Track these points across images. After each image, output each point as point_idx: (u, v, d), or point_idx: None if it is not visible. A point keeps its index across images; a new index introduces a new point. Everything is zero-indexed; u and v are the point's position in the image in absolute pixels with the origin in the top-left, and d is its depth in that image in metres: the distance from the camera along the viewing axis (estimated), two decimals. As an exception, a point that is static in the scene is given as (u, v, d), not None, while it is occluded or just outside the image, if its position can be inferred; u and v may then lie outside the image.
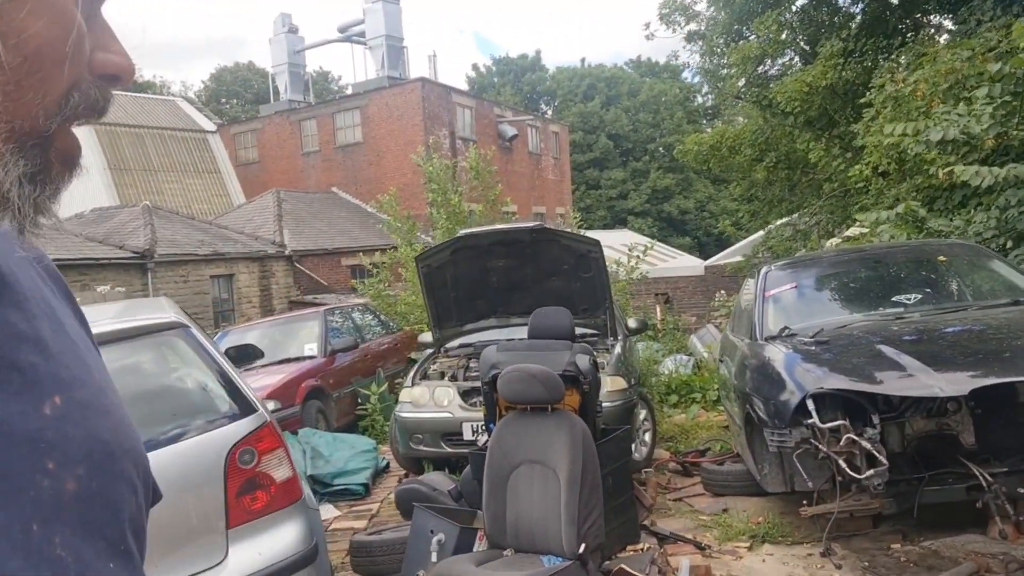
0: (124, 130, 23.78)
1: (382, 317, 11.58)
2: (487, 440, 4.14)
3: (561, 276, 6.59)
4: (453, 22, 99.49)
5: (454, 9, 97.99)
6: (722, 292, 15.11)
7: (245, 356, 7.96)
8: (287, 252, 18.85)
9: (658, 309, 15.28)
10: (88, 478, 0.62)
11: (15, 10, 0.54)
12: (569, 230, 9.96)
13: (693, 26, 17.04)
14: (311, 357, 9.07)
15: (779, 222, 14.68)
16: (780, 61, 15.83)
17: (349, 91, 30.60)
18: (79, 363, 0.67)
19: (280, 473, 3.31)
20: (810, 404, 4.04)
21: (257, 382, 7.60)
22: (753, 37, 14.73)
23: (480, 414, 5.27)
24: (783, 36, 14.03)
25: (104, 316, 3.64)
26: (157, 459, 0.75)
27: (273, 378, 8.10)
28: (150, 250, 15.58)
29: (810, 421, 4.02)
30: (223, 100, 46.38)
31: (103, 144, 22.84)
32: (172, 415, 3.37)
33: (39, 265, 0.74)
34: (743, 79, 15.33)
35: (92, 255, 14.64)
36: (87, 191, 20.94)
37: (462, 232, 6.81)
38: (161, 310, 3.77)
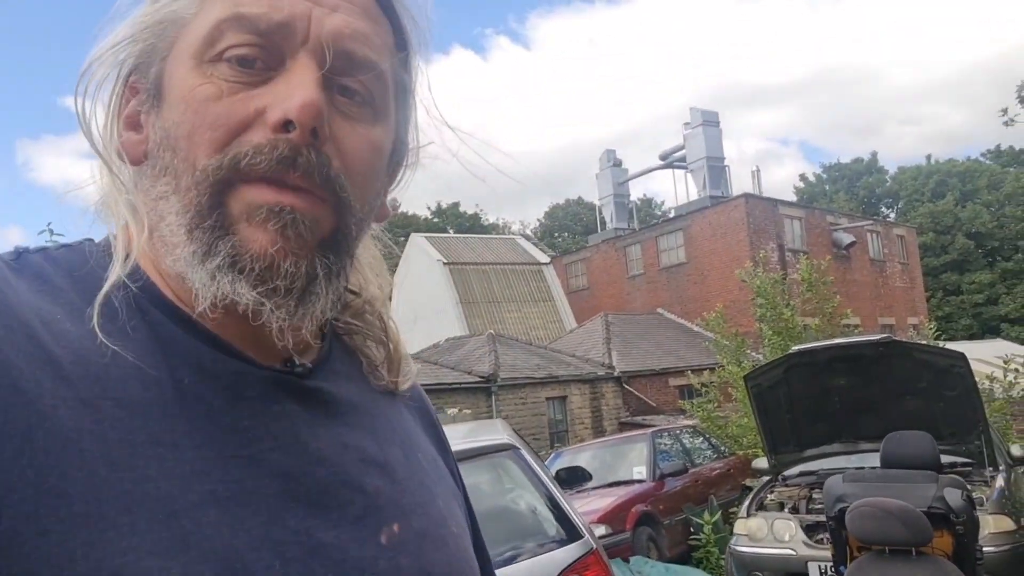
0: (472, 268, 26.83)
1: (712, 440, 11.12)
2: (838, 586, 3.63)
3: (918, 395, 5.84)
4: (776, 135, 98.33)
5: (776, 122, 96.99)
6: None
7: (575, 478, 8.10)
8: (616, 373, 19.25)
9: (1053, 434, 12.63)
10: None
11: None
12: (924, 342, 8.82)
13: (1065, 102, 14.73)
14: (640, 481, 8.94)
15: None
16: None
17: (671, 214, 31.39)
18: (423, 491, 0.67)
19: (607, 604, 3.19)
20: None
21: (587, 505, 7.65)
22: None
23: (828, 553, 4.69)
24: None
25: (452, 437, 3.96)
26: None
27: (603, 501, 8.10)
28: (494, 374, 16.96)
29: None
30: (555, 234, 50.44)
31: (455, 282, 25.93)
32: (507, 536, 3.46)
33: (410, 397, 0.78)
34: None
35: (446, 380, 16.35)
36: (443, 323, 23.76)
37: (795, 348, 6.40)
38: (495, 432, 3.98)
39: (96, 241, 0.63)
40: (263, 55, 0.58)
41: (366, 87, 0.61)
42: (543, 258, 29.74)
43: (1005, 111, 15.64)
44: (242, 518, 0.53)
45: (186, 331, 0.59)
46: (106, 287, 0.57)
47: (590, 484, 8.63)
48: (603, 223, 32.14)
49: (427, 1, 0.67)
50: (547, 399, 18.04)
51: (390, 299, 0.78)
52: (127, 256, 0.59)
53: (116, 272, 0.58)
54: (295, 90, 0.56)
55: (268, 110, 0.56)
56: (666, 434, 10.69)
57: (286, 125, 0.56)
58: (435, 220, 46.72)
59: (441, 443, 0.80)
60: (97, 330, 0.54)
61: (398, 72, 0.65)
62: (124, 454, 0.50)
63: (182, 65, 0.59)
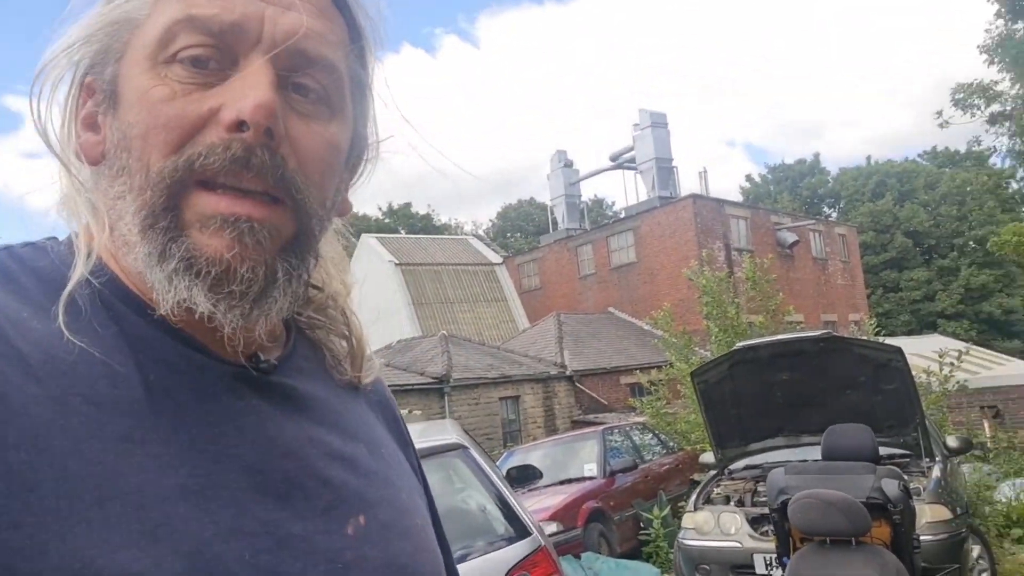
0: (424, 268, 26.69)
1: (662, 436, 11.27)
2: (781, 576, 3.71)
3: (858, 389, 5.97)
4: (722, 136, 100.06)
5: (723, 124, 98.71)
6: (1070, 403, 12.61)
7: (525, 477, 8.13)
8: (568, 372, 19.35)
9: (986, 425, 13.12)
10: None
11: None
12: (865, 337, 9.07)
13: (996, 107, 15.31)
14: (591, 478, 9.01)
15: None
16: (1115, 131, 13.52)
17: (622, 215, 31.66)
18: (388, 484, 0.69)
19: (555, 600, 3.21)
20: None
21: (538, 503, 7.68)
22: (1075, 108, 12.82)
23: (772, 544, 4.78)
24: (1116, 102, 12.03)
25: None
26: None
27: (554, 499, 8.14)
28: (447, 375, 16.90)
29: None
30: (508, 234, 50.45)
31: (407, 283, 25.75)
32: (457, 535, 3.46)
33: (372, 392, 0.79)
34: (1068, 156, 13.27)
35: (398, 382, 16.22)
36: (395, 325, 23.57)
37: (739, 344, 6.50)
38: (445, 432, 3.97)
39: (59, 240, 0.64)
40: (217, 56, 0.58)
41: (321, 84, 0.62)
42: (495, 258, 29.72)
43: (940, 113, 16.19)
44: (211, 510, 0.54)
45: (152, 327, 0.59)
46: (70, 285, 0.57)
47: (541, 482, 8.67)
48: (555, 223, 32.25)
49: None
50: (500, 399, 18.04)
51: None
52: (89, 254, 0.60)
53: (79, 270, 0.58)
54: (249, 91, 0.56)
55: (222, 110, 0.57)
56: (617, 431, 10.79)
57: (240, 125, 0.56)
58: (386, 220, 46.31)
59: (402, 438, 0.81)
60: (63, 327, 0.54)
61: (354, 68, 0.66)
62: (94, 449, 0.51)
63: (136, 66, 0.59)
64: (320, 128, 0.62)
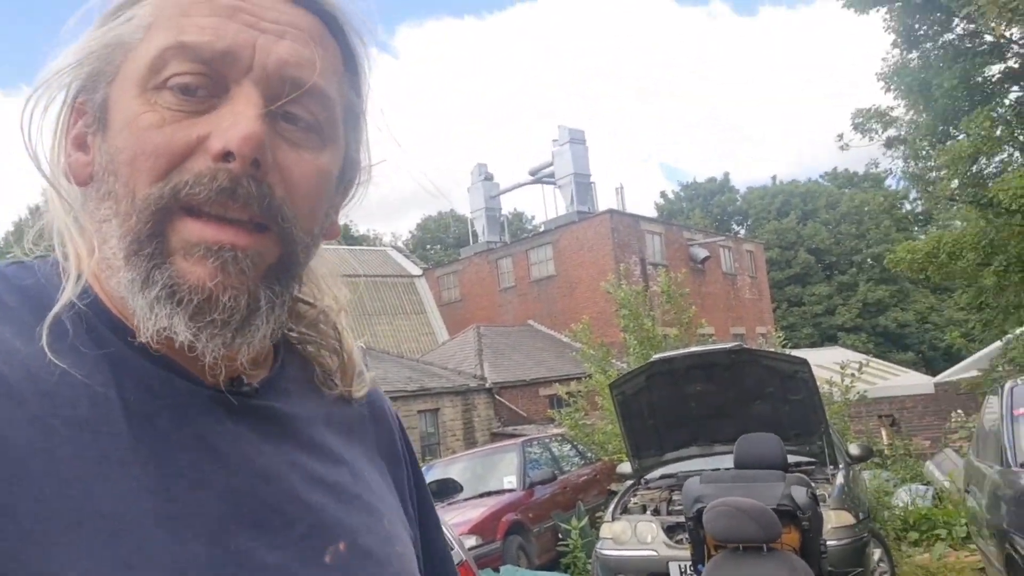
0: (341, 280, 26.24)
1: (580, 447, 11.38)
2: (696, 583, 3.80)
3: (767, 399, 6.19)
4: (638, 154, 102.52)
5: (639, 141, 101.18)
6: (959, 411, 13.43)
7: (445, 491, 8.07)
8: (488, 385, 19.34)
9: (883, 432, 13.81)
10: None
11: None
12: (772, 350, 9.43)
13: (892, 131, 16.20)
14: (510, 490, 9.01)
15: (1020, 331, 13.00)
16: (997, 158, 14.48)
17: (541, 228, 31.96)
18: (370, 510, 0.68)
19: (477, 615, 3.19)
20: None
21: (459, 516, 7.64)
22: (962, 136, 13.71)
23: (688, 552, 4.89)
24: (998, 132, 12.92)
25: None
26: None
27: (474, 512, 8.11)
28: (364, 388, 16.61)
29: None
30: (428, 246, 50.22)
31: (325, 293, 25.27)
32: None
33: (366, 406, 0.77)
34: (955, 180, 14.16)
35: (314, 395, 15.85)
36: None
37: (656, 356, 6.65)
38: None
39: (46, 259, 0.63)
40: (207, 83, 0.58)
41: (312, 113, 0.61)
42: (415, 270, 29.52)
43: (841, 136, 17.02)
44: (186, 538, 0.53)
45: (133, 350, 0.58)
46: (57, 307, 0.57)
47: (461, 495, 8.62)
48: (475, 236, 32.28)
49: (375, 23, 0.68)
50: (419, 412, 17.86)
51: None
52: (79, 276, 0.59)
53: (68, 292, 0.58)
54: (237, 120, 0.56)
55: (210, 138, 0.57)
56: (536, 443, 10.84)
57: (226, 155, 0.56)
58: (302, 231, 45.31)
59: (396, 456, 0.80)
60: (46, 349, 0.54)
61: (347, 94, 0.66)
62: (72, 472, 0.51)
63: (127, 91, 0.59)
64: (310, 157, 0.61)
